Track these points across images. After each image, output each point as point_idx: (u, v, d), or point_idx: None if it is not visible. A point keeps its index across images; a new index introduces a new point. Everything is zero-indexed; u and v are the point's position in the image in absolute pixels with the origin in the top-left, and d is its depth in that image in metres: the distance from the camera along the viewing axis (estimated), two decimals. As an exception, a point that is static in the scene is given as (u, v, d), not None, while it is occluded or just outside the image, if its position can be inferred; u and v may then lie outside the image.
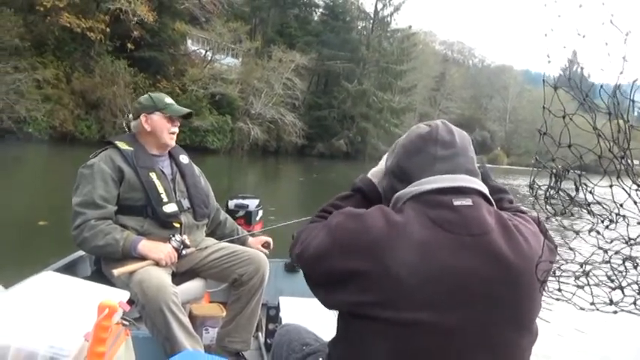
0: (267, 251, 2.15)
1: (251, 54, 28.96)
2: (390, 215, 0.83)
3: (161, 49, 24.42)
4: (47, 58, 20.93)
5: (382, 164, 1.05)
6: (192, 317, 1.97)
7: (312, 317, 1.76)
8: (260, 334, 2.16)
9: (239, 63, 29.10)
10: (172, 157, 1.96)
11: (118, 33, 22.08)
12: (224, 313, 1.99)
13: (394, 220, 0.82)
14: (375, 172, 1.07)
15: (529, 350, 0.85)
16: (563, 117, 0.63)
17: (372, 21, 36.42)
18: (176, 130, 1.92)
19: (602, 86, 0.62)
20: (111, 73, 21.76)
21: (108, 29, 21.50)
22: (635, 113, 0.62)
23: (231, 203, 2.41)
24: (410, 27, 37.89)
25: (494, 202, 0.89)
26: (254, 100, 26.92)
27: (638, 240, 0.64)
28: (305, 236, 0.92)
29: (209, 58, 26.82)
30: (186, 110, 1.94)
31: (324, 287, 0.87)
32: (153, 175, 1.79)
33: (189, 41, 27.22)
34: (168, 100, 1.92)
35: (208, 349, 1.87)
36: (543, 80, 0.63)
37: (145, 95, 1.94)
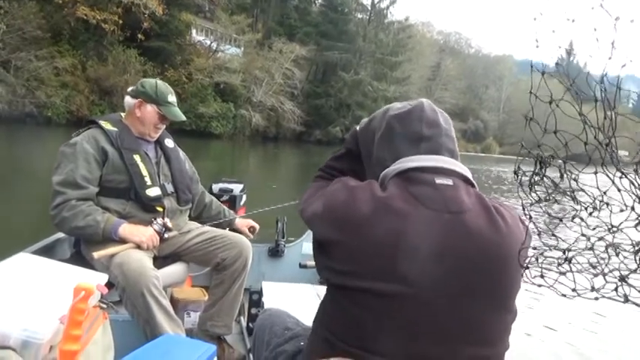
0: (251, 235, 2.04)
1: (253, 45, 28.57)
2: (376, 191, 0.81)
3: (169, 40, 24.14)
4: (63, 47, 20.96)
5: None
6: (173, 301, 1.86)
7: (295, 302, 1.69)
8: (242, 318, 2.05)
9: (241, 53, 28.69)
10: (158, 140, 1.82)
11: (129, 24, 21.85)
12: (206, 297, 1.87)
13: (379, 195, 0.80)
14: None
15: (508, 328, 0.81)
16: (550, 102, 0.61)
17: (369, 13, 35.84)
18: (163, 126, 1.79)
19: (588, 73, 0.59)
20: (122, 61, 21.78)
21: (120, 21, 21.30)
22: (630, 105, 0.54)
23: (216, 187, 2.25)
24: (407, 19, 37.40)
25: (475, 184, 0.86)
26: (255, 88, 26.78)
27: (621, 227, 0.61)
28: (307, 196, 0.91)
29: (214, 48, 26.45)
30: (181, 117, 1.79)
31: (317, 249, 0.85)
32: (137, 158, 1.66)
33: (193, 31, 26.77)
34: (171, 98, 1.77)
35: (190, 332, 1.77)
36: (531, 66, 0.61)
37: (153, 81, 1.77)
